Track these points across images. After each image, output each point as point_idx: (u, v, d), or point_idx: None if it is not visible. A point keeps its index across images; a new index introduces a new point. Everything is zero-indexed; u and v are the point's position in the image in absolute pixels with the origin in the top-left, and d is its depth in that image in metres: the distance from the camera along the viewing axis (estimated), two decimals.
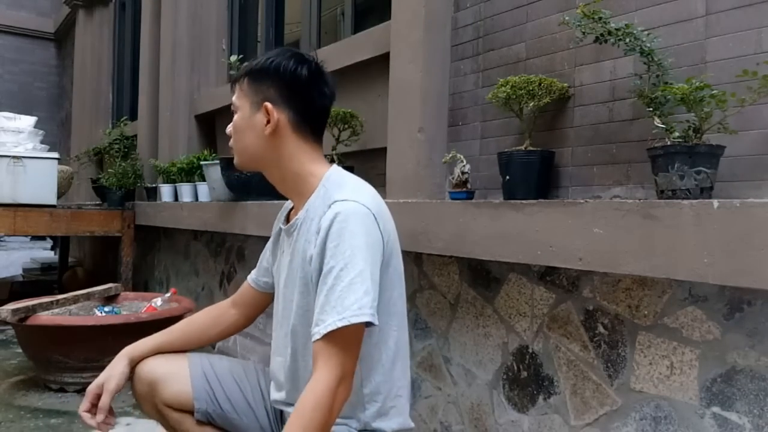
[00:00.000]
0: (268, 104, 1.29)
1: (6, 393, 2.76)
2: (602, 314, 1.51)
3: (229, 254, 3.45)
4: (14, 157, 3.79)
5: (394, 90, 2.16)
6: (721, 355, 1.26)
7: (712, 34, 1.39)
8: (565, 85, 1.69)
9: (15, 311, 2.60)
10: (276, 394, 1.41)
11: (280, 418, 1.47)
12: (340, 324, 1.11)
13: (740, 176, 1.33)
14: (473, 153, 1.99)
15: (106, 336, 2.60)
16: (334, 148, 2.44)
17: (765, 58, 1.27)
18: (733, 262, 1.11)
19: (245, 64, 1.40)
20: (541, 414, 1.65)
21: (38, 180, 3.85)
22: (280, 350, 1.37)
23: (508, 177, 1.70)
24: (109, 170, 4.41)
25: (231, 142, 1.38)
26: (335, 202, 1.21)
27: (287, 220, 1.42)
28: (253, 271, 1.57)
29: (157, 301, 3.08)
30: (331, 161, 1.55)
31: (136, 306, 3.23)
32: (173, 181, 3.80)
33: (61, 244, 5.64)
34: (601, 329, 1.51)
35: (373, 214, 1.21)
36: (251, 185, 2.78)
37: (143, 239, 4.51)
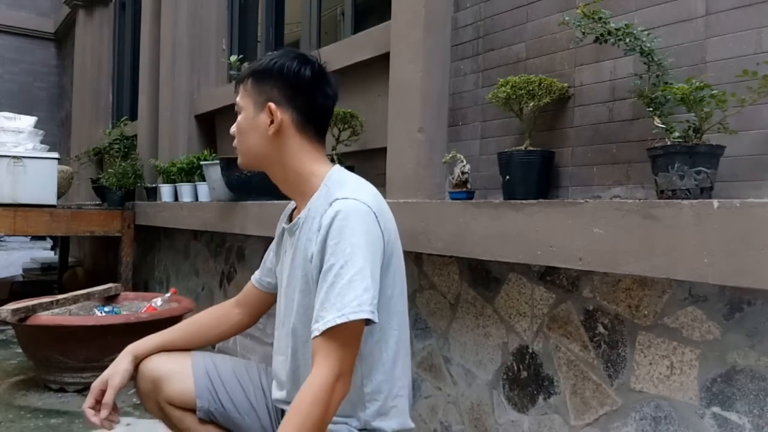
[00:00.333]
0: (272, 104, 1.29)
1: (6, 393, 2.76)
2: (602, 314, 1.51)
3: (229, 254, 3.45)
4: (14, 157, 3.79)
5: (394, 90, 2.16)
6: (721, 355, 1.26)
7: (712, 34, 1.39)
8: (565, 85, 1.69)
9: (15, 311, 2.60)
10: (277, 393, 1.41)
11: (281, 416, 1.47)
12: (339, 321, 1.12)
13: (740, 176, 1.33)
14: (473, 153, 1.99)
15: (106, 336, 2.60)
16: (334, 148, 2.44)
17: (765, 58, 1.27)
18: (733, 262, 1.11)
19: (249, 64, 1.41)
20: (541, 414, 1.65)
21: (38, 180, 3.85)
22: (282, 349, 1.38)
23: (508, 177, 1.70)
24: (109, 170, 4.41)
25: (235, 143, 1.38)
26: (336, 200, 1.21)
27: (290, 219, 1.42)
28: (257, 271, 1.57)
29: (157, 301, 3.08)
30: (331, 161, 1.55)
31: (136, 306, 3.23)
32: (173, 181, 3.80)
33: (61, 244, 5.64)
34: (601, 329, 1.51)
35: (374, 213, 1.22)
36: (251, 185, 2.78)
37: (143, 239, 4.51)
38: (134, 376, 1.44)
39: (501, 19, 1.92)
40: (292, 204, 1.47)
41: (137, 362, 1.44)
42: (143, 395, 1.45)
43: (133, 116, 5.31)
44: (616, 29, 1.40)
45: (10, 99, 8.46)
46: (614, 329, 1.48)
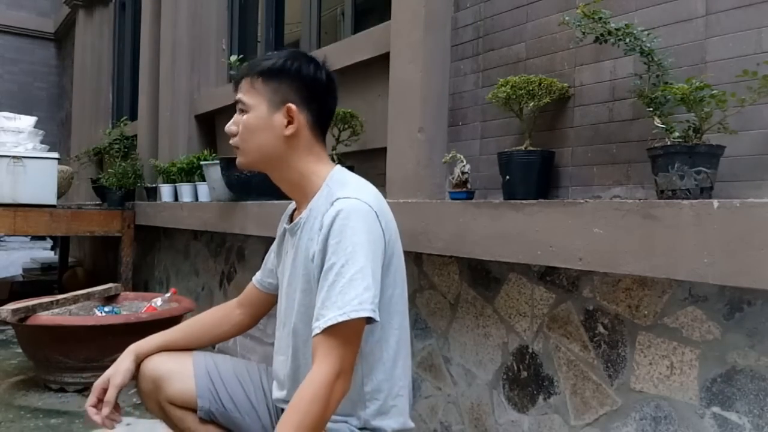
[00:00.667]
0: (293, 106, 1.30)
1: (6, 393, 2.76)
2: (602, 314, 1.51)
3: (229, 254, 3.45)
4: (14, 157, 3.79)
5: (394, 90, 2.16)
6: (721, 355, 1.26)
7: (712, 34, 1.39)
8: (565, 85, 1.69)
9: (15, 311, 2.60)
10: (277, 393, 1.42)
11: (282, 411, 1.47)
12: (340, 319, 1.12)
13: (740, 176, 1.33)
14: (473, 153, 1.99)
15: (106, 336, 2.60)
16: (334, 148, 2.44)
17: (765, 58, 1.27)
18: (733, 262, 1.11)
19: (251, 62, 1.39)
20: (541, 414, 1.65)
21: (38, 180, 3.85)
22: (282, 349, 1.38)
23: (508, 177, 1.70)
24: (109, 170, 4.41)
25: (236, 141, 1.34)
26: (338, 199, 1.22)
27: (291, 220, 1.42)
28: (258, 272, 1.58)
29: (157, 301, 3.08)
30: (332, 161, 1.56)
31: (136, 306, 3.23)
32: (173, 181, 3.80)
33: (61, 244, 5.64)
34: (601, 329, 1.51)
35: (375, 212, 1.23)
36: (251, 185, 2.78)
37: (143, 239, 4.51)
38: (136, 375, 1.44)
39: (501, 19, 1.92)
40: (292, 204, 1.48)
41: (139, 361, 1.44)
42: (144, 394, 1.46)
43: (133, 116, 5.31)
44: (616, 29, 1.40)
45: (10, 99, 8.47)
46: (614, 329, 1.48)
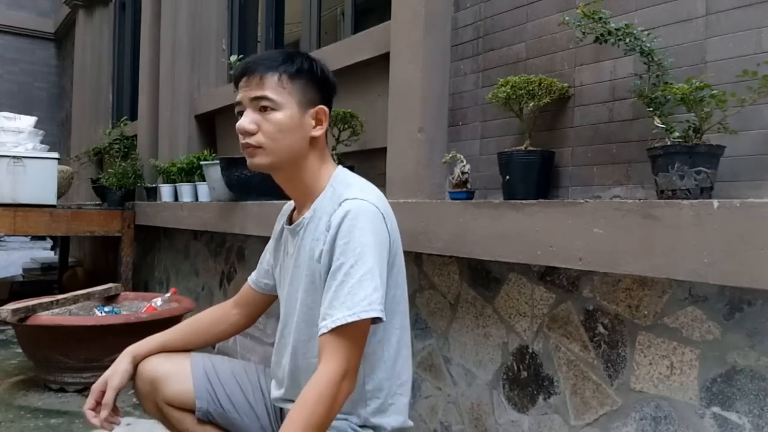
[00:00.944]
0: (324, 108, 1.31)
1: (6, 393, 2.76)
2: (602, 314, 1.51)
3: (229, 254, 3.45)
4: (14, 157, 3.79)
5: (394, 90, 2.16)
6: (721, 355, 1.26)
7: (712, 34, 1.39)
8: (565, 85, 1.69)
9: (15, 311, 2.60)
10: (276, 392, 1.42)
11: (280, 415, 1.47)
12: (350, 319, 1.13)
13: (740, 176, 1.33)
14: (473, 153, 1.99)
15: (106, 336, 2.60)
16: (334, 148, 2.44)
17: (765, 58, 1.27)
18: (733, 262, 1.11)
19: (263, 59, 1.30)
20: (541, 414, 1.65)
21: (38, 180, 3.85)
22: (283, 348, 1.38)
23: (508, 177, 1.70)
24: (109, 170, 4.41)
25: (259, 140, 1.26)
26: (345, 200, 1.23)
27: (290, 220, 1.42)
28: (254, 273, 1.57)
29: (157, 301, 3.08)
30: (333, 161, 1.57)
31: (136, 306, 3.23)
32: (173, 181, 3.80)
33: (61, 244, 5.64)
34: (601, 329, 1.51)
35: (382, 213, 1.24)
36: (251, 185, 2.78)
37: (143, 239, 4.51)
38: (133, 376, 1.44)
39: (501, 19, 1.92)
40: (289, 205, 1.48)
41: (136, 363, 1.44)
42: (142, 396, 1.45)
43: (133, 116, 5.31)
44: (616, 29, 1.40)
45: (10, 99, 8.47)
46: (614, 329, 1.48)
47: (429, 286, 2.05)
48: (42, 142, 4.24)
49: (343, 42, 2.77)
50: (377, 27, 2.46)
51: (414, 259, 2.07)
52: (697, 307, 1.31)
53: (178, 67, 4.20)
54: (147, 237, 4.50)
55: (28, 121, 4.19)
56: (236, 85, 1.32)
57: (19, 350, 3.15)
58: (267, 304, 1.58)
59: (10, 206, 3.73)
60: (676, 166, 1.28)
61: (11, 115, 4.18)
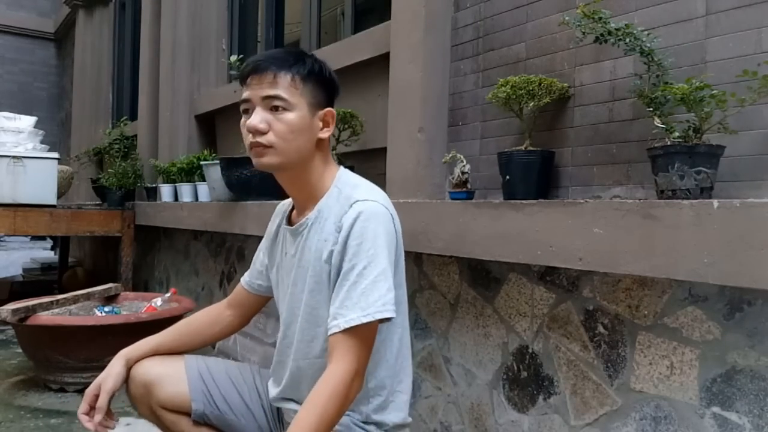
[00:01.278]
0: (333, 111, 1.33)
1: (6, 393, 2.76)
2: (602, 314, 1.51)
3: (229, 254, 3.45)
4: (14, 157, 3.79)
5: (394, 90, 2.16)
6: (721, 355, 1.26)
7: (712, 34, 1.39)
8: (565, 85, 1.69)
9: (15, 311, 2.60)
10: (275, 391, 1.41)
11: (278, 415, 1.47)
12: (365, 320, 1.15)
13: (740, 176, 1.33)
14: (473, 153, 1.99)
15: (106, 336, 2.60)
16: (334, 148, 2.44)
17: (765, 58, 1.27)
18: (733, 262, 1.11)
19: (275, 56, 1.28)
20: (541, 414, 1.65)
21: (38, 180, 3.85)
22: (286, 348, 1.38)
23: (508, 177, 1.70)
24: (109, 170, 4.41)
25: (270, 140, 1.24)
26: (357, 201, 1.24)
27: (289, 221, 1.42)
28: (246, 274, 1.57)
29: (157, 301, 3.08)
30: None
31: (136, 306, 3.23)
32: (173, 181, 3.80)
33: (61, 244, 5.64)
34: (601, 329, 1.51)
35: (391, 214, 1.27)
36: (251, 185, 2.78)
37: (143, 239, 4.51)
38: (127, 379, 1.43)
39: (501, 19, 1.92)
40: (283, 205, 1.47)
41: (130, 366, 1.43)
42: (135, 399, 1.44)
43: (133, 116, 5.31)
44: (616, 29, 1.40)
45: (10, 99, 8.47)
46: (614, 329, 1.48)
47: (429, 286, 2.04)
48: (42, 142, 4.24)
49: (343, 42, 2.77)
50: (377, 27, 2.46)
51: (414, 259, 2.07)
52: (697, 307, 1.31)
53: (178, 67, 4.20)
54: (147, 237, 4.50)
55: (28, 121, 4.20)
56: (243, 82, 1.29)
57: (19, 350, 3.15)
58: (261, 304, 1.57)
59: (10, 206, 3.73)
60: (676, 166, 1.28)
61: (11, 115, 4.19)
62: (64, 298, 2.98)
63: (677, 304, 1.34)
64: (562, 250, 1.42)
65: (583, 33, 1.44)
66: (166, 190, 3.83)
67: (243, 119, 1.29)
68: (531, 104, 1.66)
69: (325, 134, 1.31)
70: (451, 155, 1.90)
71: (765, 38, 1.30)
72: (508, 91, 1.66)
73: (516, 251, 1.54)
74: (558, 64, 1.74)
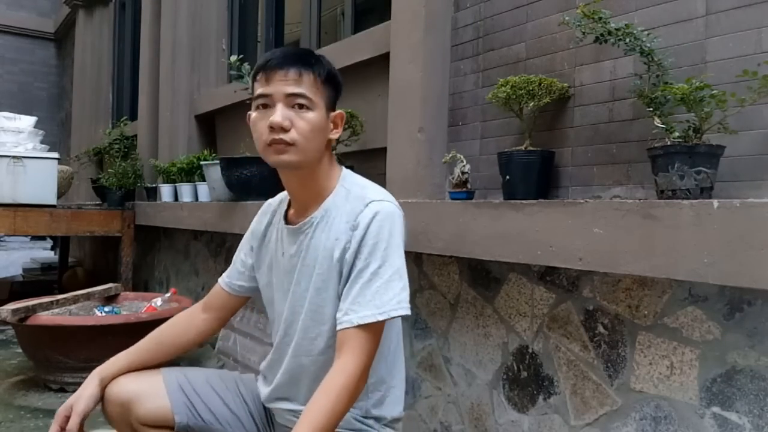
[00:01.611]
0: (343, 113, 1.34)
1: (6, 393, 2.76)
2: (602, 314, 1.51)
3: (229, 254, 3.45)
4: (14, 157, 3.79)
5: (394, 90, 2.16)
6: (721, 355, 1.26)
7: (712, 34, 1.39)
8: (565, 85, 1.69)
9: (15, 311, 2.60)
10: (266, 390, 1.40)
11: (268, 418, 1.46)
12: (380, 317, 1.18)
13: (740, 176, 1.33)
14: (473, 153, 1.99)
15: (106, 336, 2.60)
16: (334, 148, 2.43)
17: (765, 58, 1.27)
18: (733, 262, 1.11)
19: (299, 53, 1.28)
20: (541, 414, 1.65)
21: (38, 180, 3.85)
22: (285, 346, 1.36)
23: (508, 177, 1.70)
24: (109, 170, 4.41)
25: (294, 137, 1.22)
26: (373, 201, 1.25)
27: (285, 219, 1.40)
28: (225, 275, 1.52)
29: (157, 301, 3.08)
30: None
31: (136, 306, 3.24)
32: (173, 181, 3.80)
33: (61, 244, 5.64)
34: (601, 329, 1.51)
35: (401, 215, 1.29)
36: (251, 185, 2.78)
37: (143, 239, 4.51)
38: (101, 400, 1.38)
39: (501, 19, 1.92)
40: (270, 205, 1.46)
41: (104, 385, 1.38)
42: (113, 419, 1.39)
43: (133, 116, 5.31)
44: (616, 29, 1.40)
45: (10, 99, 8.47)
46: (614, 329, 1.48)
47: (429, 286, 2.04)
48: (42, 142, 4.24)
49: (343, 42, 2.77)
50: (377, 27, 2.46)
51: (414, 259, 2.07)
52: (697, 307, 1.31)
53: (178, 67, 4.20)
54: (147, 237, 4.50)
55: (28, 121, 4.20)
56: (262, 77, 1.25)
57: (19, 350, 3.15)
58: (239, 306, 1.54)
59: (10, 206, 3.73)
60: (676, 166, 1.28)
61: (11, 115, 4.19)
62: (64, 298, 2.98)
63: (677, 304, 1.34)
64: (562, 250, 1.42)
65: (583, 33, 1.45)
66: (166, 190, 3.83)
67: (256, 114, 1.26)
68: (531, 104, 1.66)
69: (334, 135, 1.32)
70: (451, 155, 1.90)
71: (765, 38, 1.30)
72: (508, 91, 1.66)
73: (516, 251, 1.54)
74: (558, 64, 1.74)
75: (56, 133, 8.55)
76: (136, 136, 4.84)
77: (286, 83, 1.22)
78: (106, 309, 3.07)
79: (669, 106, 1.36)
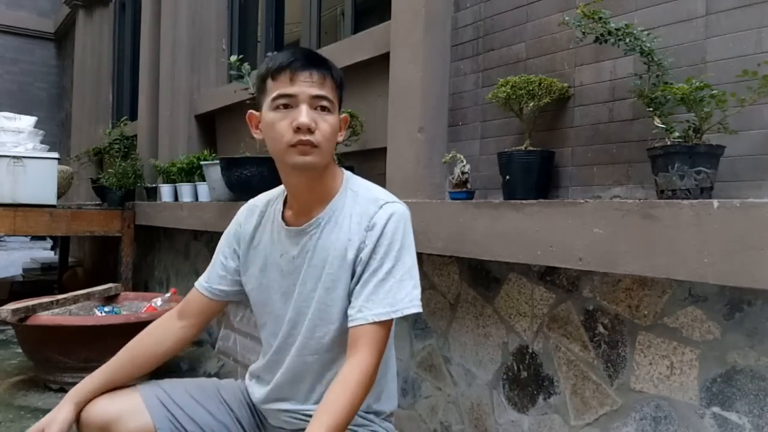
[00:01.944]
0: (347, 115, 1.35)
1: (6, 393, 2.76)
2: (602, 314, 1.51)
3: None
4: (14, 157, 3.79)
5: (394, 90, 2.16)
6: (721, 355, 1.26)
7: (712, 34, 1.39)
8: (565, 85, 1.69)
9: (15, 311, 2.60)
10: (262, 392, 1.39)
11: (258, 420, 1.45)
12: (393, 315, 1.21)
13: (740, 176, 1.33)
14: (473, 153, 1.99)
15: (106, 336, 2.60)
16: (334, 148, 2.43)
17: (765, 58, 1.27)
18: (733, 262, 1.11)
19: (320, 57, 1.28)
20: (541, 414, 1.65)
21: (38, 180, 3.85)
22: (289, 346, 1.35)
23: (508, 177, 1.70)
24: (109, 170, 4.41)
25: (318, 139, 1.22)
26: (387, 203, 1.29)
27: (284, 221, 1.38)
28: (203, 280, 1.48)
29: (157, 301, 3.08)
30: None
31: (136, 306, 3.24)
32: (173, 181, 3.80)
33: (61, 244, 5.64)
34: (601, 329, 1.51)
35: (410, 216, 1.32)
36: (251, 185, 2.77)
37: (143, 239, 4.51)
38: (76, 423, 1.32)
39: (501, 19, 1.92)
40: (256, 206, 1.44)
41: (80, 409, 1.32)
42: None
43: (133, 116, 5.31)
44: (616, 29, 1.40)
45: (10, 99, 8.47)
46: (614, 329, 1.48)
47: (429, 286, 2.04)
48: (42, 142, 4.25)
49: (343, 42, 2.77)
50: (377, 27, 2.46)
51: None
52: (697, 307, 1.31)
53: (178, 67, 4.20)
54: (147, 237, 4.50)
55: (28, 121, 4.20)
56: (289, 77, 1.22)
57: (19, 350, 3.15)
58: (219, 311, 1.50)
59: (10, 206, 3.74)
60: (676, 166, 1.28)
61: (11, 115, 4.19)
62: (64, 298, 2.98)
63: (677, 304, 1.34)
64: (562, 250, 1.42)
65: (583, 33, 1.45)
66: (166, 190, 3.83)
67: (276, 114, 1.23)
68: (531, 104, 1.66)
69: (340, 138, 1.35)
70: (451, 155, 1.90)
71: (765, 38, 1.30)
72: (508, 91, 1.66)
73: (516, 251, 1.54)
74: (558, 64, 1.74)
75: (56, 133, 8.56)
76: (136, 136, 4.84)
77: (312, 85, 1.22)
78: (106, 309, 3.07)
79: (669, 106, 1.36)
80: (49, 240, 8.32)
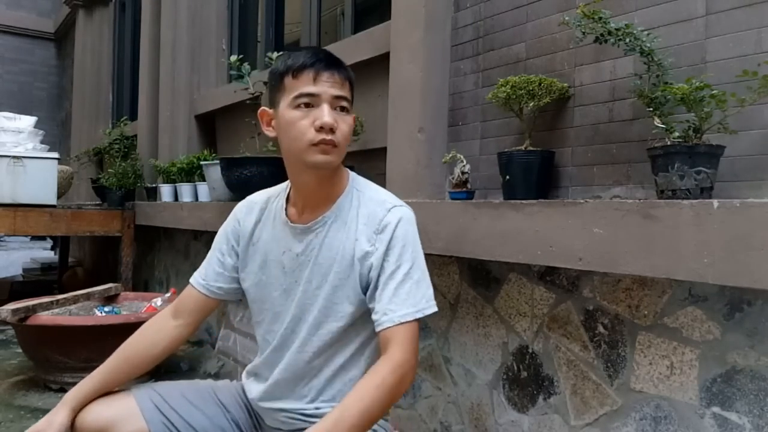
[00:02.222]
0: (354, 116, 1.35)
1: (6, 393, 2.76)
2: (602, 314, 1.51)
3: None
4: (14, 157, 3.79)
5: (394, 90, 2.16)
6: (721, 355, 1.26)
7: (712, 34, 1.39)
8: (565, 85, 1.69)
9: (15, 311, 2.60)
10: (259, 389, 1.39)
11: (254, 420, 1.44)
12: (417, 315, 1.22)
13: (740, 176, 1.33)
14: (473, 153, 1.99)
15: (106, 336, 2.60)
16: None
17: (765, 58, 1.27)
18: (733, 262, 1.11)
19: (338, 59, 1.28)
20: (541, 414, 1.65)
21: (38, 180, 3.85)
22: (288, 344, 1.35)
23: (508, 177, 1.70)
24: (109, 170, 4.41)
25: (338, 139, 1.24)
26: (395, 206, 1.30)
27: (288, 218, 1.38)
28: (200, 277, 1.45)
29: (157, 301, 3.08)
30: None
31: (136, 306, 3.24)
32: (173, 181, 3.80)
33: (61, 244, 5.64)
34: (601, 329, 1.51)
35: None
36: (251, 185, 2.76)
37: (143, 239, 4.51)
38: (72, 429, 1.31)
39: (501, 19, 1.92)
40: (255, 203, 1.43)
41: (76, 413, 1.31)
42: None
43: (133, 116, 5.31)
44: (616, 29, 1.40)
45: (10, 99, 8.47)
46: (614, 329, 1.48)
47: None
48: (42, 142, 4.25)
49: (343, 42, 2.77)
50: (377, 27, 2.46)
51: None
52: (697, 307, 1.31)
53: (178, 67, 4.20)
54: (147, 237, 4.50)
55: (28, 121, 4.20)
56: (312, 76, 1.22)
57: (19, 350, 3.15)
58: (213, 308, 1.48)
59: (10, 206, 3.73)
60: (676, 166, 1.28)
61: (11, 115, 4.19)
62: (64, 298, 2.98)
63: (677, 304, 1.34)
64: (562, 250, 1.42)
65: (583, 33, 1.45)
66: (166, 190, 3.83)
67: (296, 112, 1.22)
68: (531, 104, 1.66)
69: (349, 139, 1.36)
70: (451, 155, 1.90)
71: (765, 38, 1.30)
72: (508, 91, 1.66)
73: (516, 251, 1.54)
74: (558, 64, 1.74)
75: (56, 133, 8.56)
76: (136, 136, 4.84)
77: (334, 85, 1.24)
78: (106, 309, 3.07)
79: (669, 106, 1.36)
80: (49, 240, 8.32)
